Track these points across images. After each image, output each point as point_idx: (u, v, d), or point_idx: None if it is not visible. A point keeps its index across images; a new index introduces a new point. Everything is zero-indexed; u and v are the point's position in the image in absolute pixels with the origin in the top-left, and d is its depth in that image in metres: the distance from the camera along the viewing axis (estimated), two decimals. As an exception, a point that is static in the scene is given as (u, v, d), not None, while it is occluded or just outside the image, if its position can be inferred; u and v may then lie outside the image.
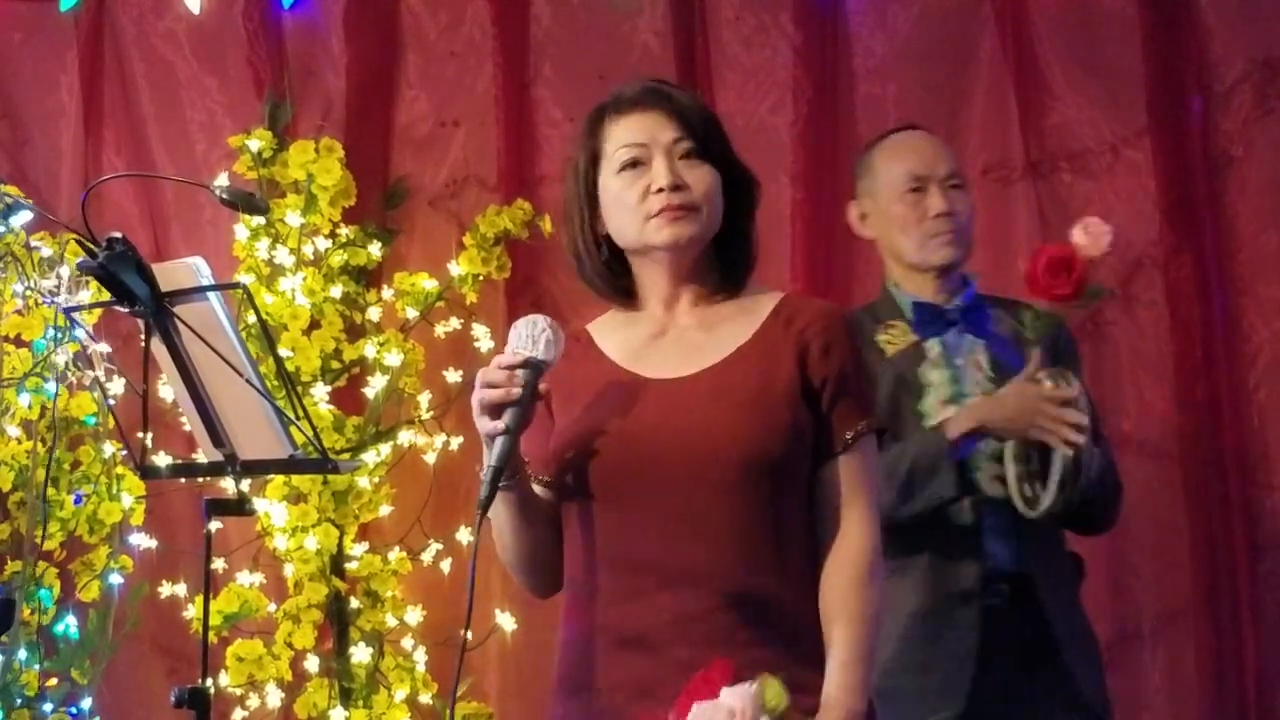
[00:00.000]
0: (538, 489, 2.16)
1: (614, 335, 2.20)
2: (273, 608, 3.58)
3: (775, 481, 2.06)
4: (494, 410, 2.02)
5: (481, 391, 2.03)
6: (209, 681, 2.42)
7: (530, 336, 2.03)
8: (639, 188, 2.12)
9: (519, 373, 2.02)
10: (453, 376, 3.71)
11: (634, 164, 2.13)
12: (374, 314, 3.74)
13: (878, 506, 2.13)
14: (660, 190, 2.11)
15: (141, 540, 3.64)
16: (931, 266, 2.95)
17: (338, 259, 3.72)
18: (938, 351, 2.90)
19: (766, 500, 2.05)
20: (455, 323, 3.73)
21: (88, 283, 3.37)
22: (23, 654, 3.43)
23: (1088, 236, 2.86)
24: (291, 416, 2.34)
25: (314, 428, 2.40)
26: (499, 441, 2.01)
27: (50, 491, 3.47)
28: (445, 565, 3.70)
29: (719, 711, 1.85)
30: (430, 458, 3.70)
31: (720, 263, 2.18)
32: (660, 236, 2.12)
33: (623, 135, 2.15)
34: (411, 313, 3.71)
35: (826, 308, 2.18)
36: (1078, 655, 2.84)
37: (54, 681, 3.51)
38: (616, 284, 2.21)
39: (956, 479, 2.75)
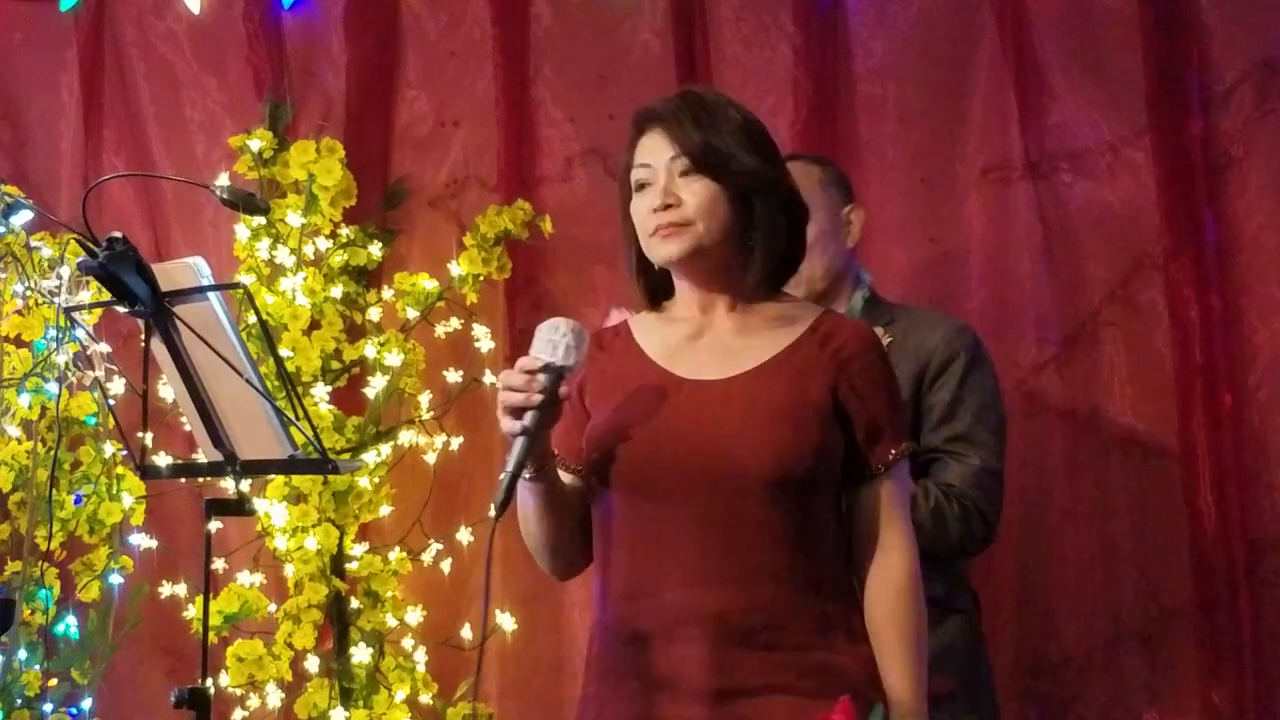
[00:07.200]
0: (567, 477, 2.20)
1: (654, 332, 2.24)
2: (273, 608, 3.58)
3: (801, 493, 2.10)
4: (515, 412, 2.05)
5: (503, 394, 2.06)
6: (209, 681, 2.42)
7: (551, 342, 2.06)
8: (644, 206, 2.18)
9: (539, 377, 2.04)
10: (453, 377, 3.71)
11: (641, 186, 2.19)
12: (374, 314, 3.74)
13: (912, 526, 2.19)
14: (655, 210, 2.16)
15: (141, 540, 3.64)
16: None
17: (338, 259, 3.72)
18: None
19: (792, 509, 2.10)
20: (455, 323, 3.72)
21: (88, 283, 3.37)
22: (23, 654, 3.43)
23: None
24: (291, 417, 2.34)
25: (314, 428, 2.40)
26: (517, 443, 2.04)
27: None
28: (445, 565, 3.70)
29: None
30: (430, 458, 3.70)
31: (756, 266, 2.20)
32: (659, 253, 2.18)
33: (637, 156, 2.21)
34: (412, 313, 3.71)
35: (863, 329, 2.23)
36: None
37: (54, 681, 3.51)
38: (653, 285, 2.25)
39: None
